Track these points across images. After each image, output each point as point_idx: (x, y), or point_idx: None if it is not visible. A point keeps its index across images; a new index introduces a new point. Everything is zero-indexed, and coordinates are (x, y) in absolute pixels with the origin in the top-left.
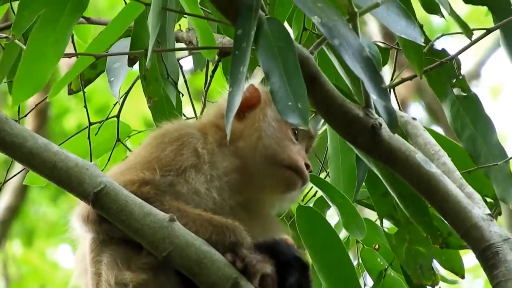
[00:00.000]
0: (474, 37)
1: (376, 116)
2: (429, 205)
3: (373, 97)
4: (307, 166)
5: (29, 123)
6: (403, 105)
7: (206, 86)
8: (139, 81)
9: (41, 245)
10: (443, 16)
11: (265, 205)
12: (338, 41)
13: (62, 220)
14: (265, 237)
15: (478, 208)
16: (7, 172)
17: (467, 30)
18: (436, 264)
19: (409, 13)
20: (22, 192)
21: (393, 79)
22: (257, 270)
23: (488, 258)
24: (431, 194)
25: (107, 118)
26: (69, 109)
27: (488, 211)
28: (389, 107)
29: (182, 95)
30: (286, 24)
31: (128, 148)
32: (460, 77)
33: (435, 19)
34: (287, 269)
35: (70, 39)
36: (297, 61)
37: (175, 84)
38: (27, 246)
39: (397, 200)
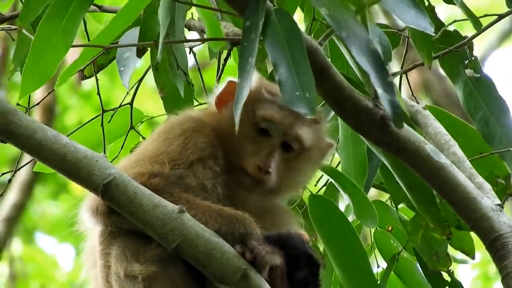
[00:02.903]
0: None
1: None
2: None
3: (379, 91)
4: (260, 168)
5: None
6: None
7: (219, 74)
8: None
9: (42, 243)
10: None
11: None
12: (345, 33)
13: (63, 218)
14: (276, 229)
15: (487, 199)
16: (16, 166)
17: (476, 22)
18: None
19: (418, 3)
20: (28, 189)
21: (405, 65)
22: (266, 262)
23: (498, 248)
24: (440, 185)
25: (120, 106)
26: (70, 107)
27: (498, 201)
28: (394, 102)
29: (193, 85)
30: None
31: (140, 135)
32: (473, 58)
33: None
34: (297, 264)
35: (83, 27)
36: (305, 51)
37: (185, 74)
38: (28, 244)
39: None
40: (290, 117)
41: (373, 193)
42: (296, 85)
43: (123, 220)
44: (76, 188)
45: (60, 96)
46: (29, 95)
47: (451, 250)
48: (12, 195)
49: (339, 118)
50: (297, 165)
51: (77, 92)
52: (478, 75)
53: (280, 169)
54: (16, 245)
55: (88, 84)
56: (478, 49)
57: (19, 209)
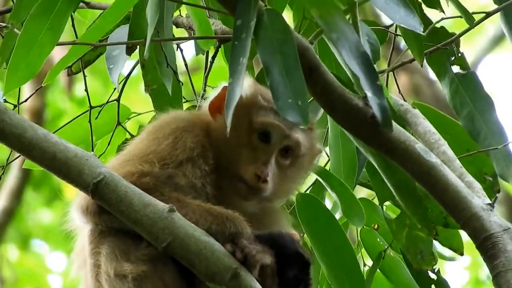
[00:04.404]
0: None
1: None
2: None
3: (368, 93)
4: (258, 177)
5: None
6: None
7: (206, 71)
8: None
9: (35, 249)
10: (442, 10)
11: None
12: (335, 35)
13: (57, 224)
14: (267, 228)
15: (478, 198)
16: (5, 165)
17: (468, 16)
18: (434, 242)
19: (407, 2)
20: (18, 195)
21: (394, 62)
22: (256, 261)
23: (488, 248)
24: (431, 184)
25: (107, 102)
26: (64, 112)
27: (488, 201)
28: (383, 105)
29: (182, 83)
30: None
31: (128, 131)
32: (459, 55)
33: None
34: (288, 263)
35: (70, 23)
36: (297, 56)
37: (174, 72)
38: (22, 250)
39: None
40: (288, 123)
41: (364, 192)
42: (288, 91)
43: (113, 219)
44: (69, 193)
45: (52, 102)
46: (18, 94)
47: (440, 248)
48: (1, 201)
49: (328, 117)
50: (292, 172)
51: (70, 98)
52: (465, 72)
53: (276, 176)
54: (10, 251)
55: (80, 91)
56: (470, 54)
57: (9, 215)
